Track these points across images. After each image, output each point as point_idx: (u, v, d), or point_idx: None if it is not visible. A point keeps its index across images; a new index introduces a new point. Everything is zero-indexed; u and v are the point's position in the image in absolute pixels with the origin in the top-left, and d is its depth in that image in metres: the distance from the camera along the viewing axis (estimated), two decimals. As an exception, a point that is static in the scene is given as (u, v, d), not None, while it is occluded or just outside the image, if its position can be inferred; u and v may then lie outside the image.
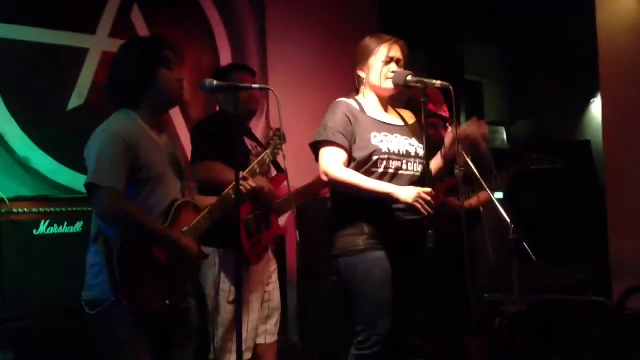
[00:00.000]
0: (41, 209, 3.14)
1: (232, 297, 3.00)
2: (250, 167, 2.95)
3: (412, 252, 2.75)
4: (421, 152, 2.81)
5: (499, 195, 4.63)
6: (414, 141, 2.84)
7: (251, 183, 2.89)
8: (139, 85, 2.40)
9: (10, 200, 3.06)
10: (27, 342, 2.90)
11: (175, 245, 2.37)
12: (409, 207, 2.65)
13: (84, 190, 3.53)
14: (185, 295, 2.48)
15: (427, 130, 2.71)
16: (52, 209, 3.17)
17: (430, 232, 2.54)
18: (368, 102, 2.85)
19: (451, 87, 2.64)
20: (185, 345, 2.50)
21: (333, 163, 2.71)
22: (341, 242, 2.73)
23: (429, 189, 2.62)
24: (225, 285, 3.05)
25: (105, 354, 2.34)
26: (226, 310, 3.03)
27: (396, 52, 2.82)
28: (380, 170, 2.72)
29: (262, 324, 3.20)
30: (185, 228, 2.44)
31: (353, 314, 2.74)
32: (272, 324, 3.24)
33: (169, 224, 2.39)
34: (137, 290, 2.26)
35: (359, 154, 2.73)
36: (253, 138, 3.35)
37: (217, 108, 3.57)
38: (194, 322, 2.53)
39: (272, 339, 3.24)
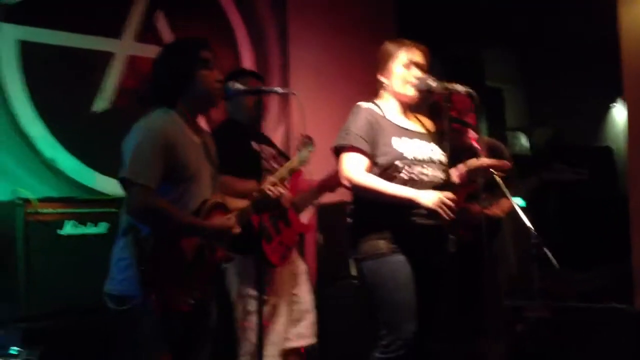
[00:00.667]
0: (66, 210, 3.19)
1: (256, 303, 2.99)
2: (279, 172, 2.94)
3: (431, 257, 2.76)
4: (442, 158, 2.81)
5: (519, 201, 4.60)
6: (434, 147, 2.85)
7: (280, 189, 2.86)
8: (177, 86, 2.43)
9: (37, 200, 3.11)
10: (52, 340, 2.93)
11: (213, 230, 2.38)
12: (430, 212, 2.66)
13: (108, 191, 3.67)
14: (208, 296, 2.51)
15: (449, 136, 2.72)
16: (77, 210, 3.21)
17: (451, 237, 2.56)
18: (389, 107, 2.85)
19: (474, 94, 2.64)
20: (202, 346, 2.51)
21: (355, 168, 2.72)
22: (364, 245, 2.74)
23: (450, 194, 2.62)
24: (249, 291, 3.03)
25: (128, 349, 2.36)
26: (253, 316, 2.99)
27: (417, 57, 2.82)
28: (403, 175, 2.72)
29: (292, 327, 3.18)
30: None
31: (377, 318, 2.74)
32: (304, 327, 3.21)
33: None
34: (165, 287, 2.28)
35: (381, 159, 2.73)
36: (265, 141, 3.32)
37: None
38: (212, 324, 2.55)
39: (305, 342, 3.21)
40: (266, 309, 3.00)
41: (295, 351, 3.22)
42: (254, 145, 3.10)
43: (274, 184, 2.78)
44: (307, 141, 3.13)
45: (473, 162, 2.86)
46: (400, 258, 2.70)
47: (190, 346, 2.45)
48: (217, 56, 2.52)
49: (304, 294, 3.27)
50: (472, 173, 2.87)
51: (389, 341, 2.68)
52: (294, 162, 3.04)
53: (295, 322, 3.21)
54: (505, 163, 2.92)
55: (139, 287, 2.26)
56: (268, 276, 3.06)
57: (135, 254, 2.29)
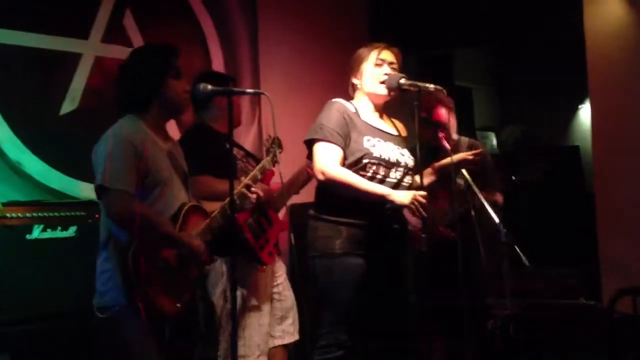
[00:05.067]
0: (34, 214, 3.12)
1: (241, 304, 2.97)
2: (252, 174, 2.93)
3: (393, 259, 2.76)
4: (411, 163, 2.83)
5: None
6: (405, 152, 2.86)
7: (258, 191, 2.88)
8: (148, 93, 2.43)
9: (3, 204, 3.05)
10: (21, 346, 2.89)
11: (186, 248, 2.39)
12: (395, 215, 2.66)
13: (76, 194, 3.62)
14: (194, 299, 2.50)
15: (421, 135, 2.73)
16: (45, 214, 3.15)
17: (423, 235, 2.57)
18: (363, 108, 2.87)
19: (445, 91, 2.66)
20: (191, 349, 2.52)
21: (330, 162, 2.70)
22: (319, 243, 2.74)
23: (424, 192, 2.63)
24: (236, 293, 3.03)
25: (115, 356, 2.35)
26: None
27: (387, 55, 2.84)
28: (369, 174, 2.73)
29: (278, 325, 3.18)
30: (194, 232, 2.46)
31: (321, 316, 2.75)
32: (288, 324, 3.21)
33: (178, 228, 2.41)
34: (150, 292, 2.26)
35: (350, 156, 2.73)
36: (237, 146, 3.31)
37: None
38: (201, 327, 2.54)
39: (290, 338, 3.21)
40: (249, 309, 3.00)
41: (280, 349, 3.20)
42: (231, 148, 3.11)
43: (249, 187, 2.80)
44: (276, 142, 3.14)
45: (442, 162, 2.88)
46: (354, 260, 2.70)
47: (179, 350, 2.44)
48: (186, 63, 2.52)
49: (287, 291, 3.27)
50: (442, 172, 2.88)
51: (328, 341, 2.70)
52: (264, 163, 3.04)
53: (280, 320, 3.20)
54: (475, 152, 2.94)
55: (124, 295, 2.25)
56: (252, 276, 3.05)
57: (117, 263, 2.28)
